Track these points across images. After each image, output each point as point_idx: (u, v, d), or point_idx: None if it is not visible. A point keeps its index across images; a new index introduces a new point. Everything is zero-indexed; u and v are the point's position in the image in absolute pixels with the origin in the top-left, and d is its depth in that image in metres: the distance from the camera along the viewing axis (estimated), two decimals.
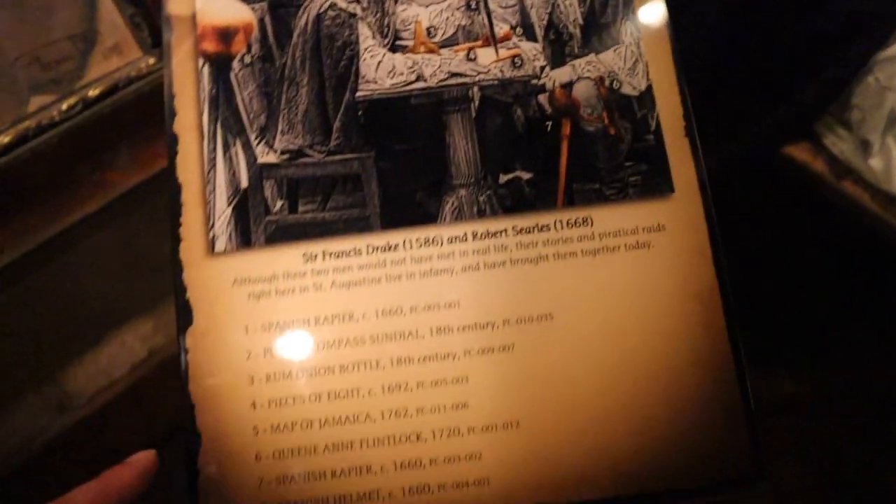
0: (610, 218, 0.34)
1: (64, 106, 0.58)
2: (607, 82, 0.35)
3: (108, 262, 0.81)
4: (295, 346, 0.33)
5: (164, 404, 1.02)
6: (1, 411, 0.83)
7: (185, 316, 0.33)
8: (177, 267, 0.34)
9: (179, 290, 0.34)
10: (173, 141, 0.35)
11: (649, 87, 0.35)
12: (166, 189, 0.35)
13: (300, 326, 0.33)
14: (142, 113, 0.64)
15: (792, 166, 0.59)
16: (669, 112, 0.35)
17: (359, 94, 0.35)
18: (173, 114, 0.35)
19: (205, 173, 0.35)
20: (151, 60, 0.62)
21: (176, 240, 0.34)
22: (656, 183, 0.34)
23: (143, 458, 0.32)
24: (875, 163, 0.53)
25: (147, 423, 1.02)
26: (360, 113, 0.35)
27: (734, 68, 0.57)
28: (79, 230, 0.66)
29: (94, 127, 0.61)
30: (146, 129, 0.66)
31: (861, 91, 0.54)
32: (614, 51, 0.36)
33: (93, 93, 0.60)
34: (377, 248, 0.34)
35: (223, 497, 0.32)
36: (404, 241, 0.34)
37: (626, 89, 0.35)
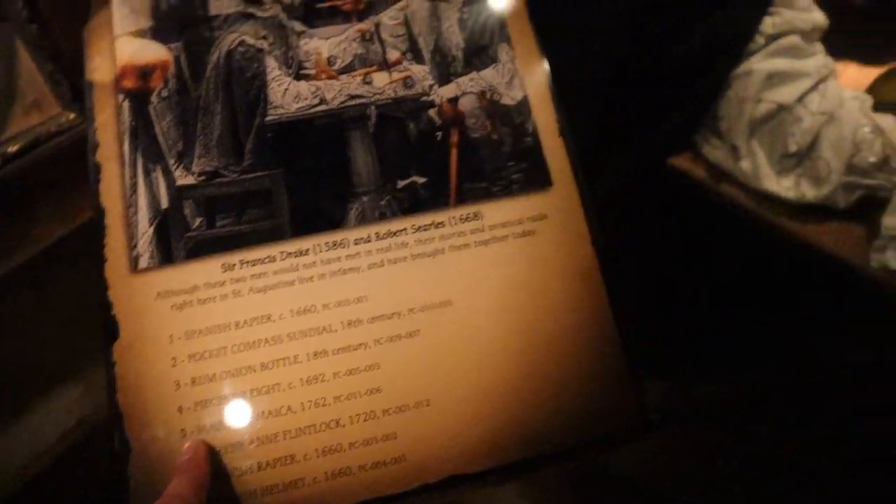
0: (497, 211, 0.38)
1: None
2: (488, 95, 0.40)
3: (30, 326, 0.80)
4: (217, 350, 0.35)
5: (96, 474, 0.98)
6: None
7: (111, 331, 0.36)
8: (102, 286, 0.36)
9: (105, 307, 0.36)
10: (96, 169, 0.38)
11: (525, 98, 0.40)
12: (91, 216, 0.37)
13: (221, 331, 0.36)
14: (63, 167, 0.65)
15: (676, 175, 0.66)
16: (544, 117, 0.40)
17: (268, 118, 0.39)
18: (96, 145, 0.38)
19: (127, 197, 0.37)
20: (72, 116, 0.64)
21: (101, 260, 0.36)
22: (536, 178, 0.39)
23: (200, 443, 0.34)
24: (744, 165, 0.60)
25: (78, 493, 0.98)
26: (269, 135, 0.39)
27: (621, 91, 0.63)
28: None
29: (15, 182, 0.62)
30: (67, 184, 0.67)
31: (725, 104, 0.61)
32: (493, 68, 0.41)
33: (12, 149, 0.61)
34: (290, 254, 0.37)
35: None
36: (314, 246, 0.37)
37: (505, 100, 0.40)
